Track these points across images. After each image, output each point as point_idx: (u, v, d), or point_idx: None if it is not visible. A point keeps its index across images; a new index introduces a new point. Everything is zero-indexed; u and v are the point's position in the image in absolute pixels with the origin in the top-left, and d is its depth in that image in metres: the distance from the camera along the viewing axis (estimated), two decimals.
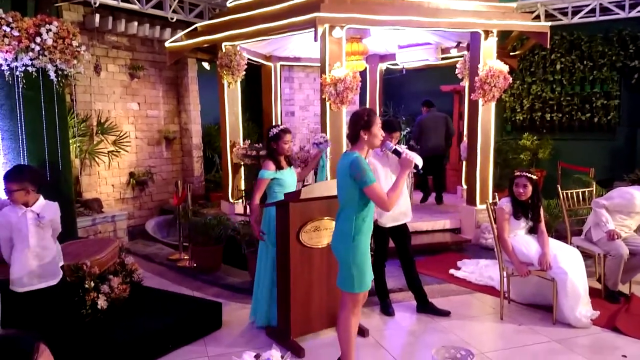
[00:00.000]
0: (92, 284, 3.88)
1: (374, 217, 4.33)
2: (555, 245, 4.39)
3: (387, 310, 4.53)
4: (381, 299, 4.63)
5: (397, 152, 3.27)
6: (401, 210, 4.42)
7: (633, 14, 8.34)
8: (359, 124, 3.13)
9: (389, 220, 4.44)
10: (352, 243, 3.10)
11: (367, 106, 9.32)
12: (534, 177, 4.39)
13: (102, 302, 3.84)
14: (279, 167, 4.20)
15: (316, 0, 5.85)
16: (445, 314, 4.46)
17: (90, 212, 6.63)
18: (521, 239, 4.42)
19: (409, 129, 9.88)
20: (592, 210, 4.94)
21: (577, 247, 4.85)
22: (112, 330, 3.74)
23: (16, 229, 3.25)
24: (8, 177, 3.30)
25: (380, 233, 4.48)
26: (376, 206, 3.15)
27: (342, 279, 3.19)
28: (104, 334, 3.71)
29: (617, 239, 4.64)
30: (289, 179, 4.26)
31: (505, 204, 4.42)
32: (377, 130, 3.15)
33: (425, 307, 4.55)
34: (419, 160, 3.95)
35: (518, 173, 4.44)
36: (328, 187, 3.72)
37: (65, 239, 4.91)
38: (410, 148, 6.51)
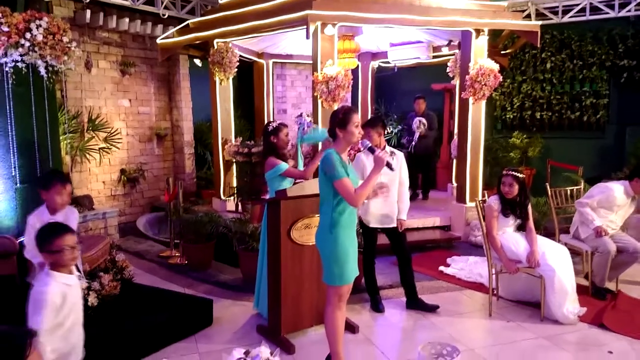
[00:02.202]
0: None
1: (357, 214, 4.37)
2: (543, 243, 4.44)
3: (377, 306, 4.56)
4: (371, 296, 4.66)
5: (372, 150, 3.30)
6: (383, 212, 4.46)
7: (623, 13, 8.41)
8: (335, 121, 3.23)
9: (372, 219, 4.48)
10: (330, 235, 3.15)
11: (359, 104, 9.35)
12: (521, 175, 4.42)
13: (92, 299, 3.84)
14: (283, 160, 4.24)
15: None
16: (433, 308, 4.51)
17: (81, 209, 6.59)
18: (510, 236, 4.47)
19: (400, 126, 9.90)
20: (577, 210, 5.01)
21: (565, 244, 4.91)
22: (102, 328, 3.74)
23: None
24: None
25: (366, 231, 4.54)
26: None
27: (325, 271, 3.24)
28: (95, 331, 3.70)
29: (605, 235, 4.70)
30: None
31: (493, 201, 4.47)
32: (354, 128, 3.20)
33: (414, 303, 4.59)
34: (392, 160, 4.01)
35: (505, 172, 4.48)
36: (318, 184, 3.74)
37: None
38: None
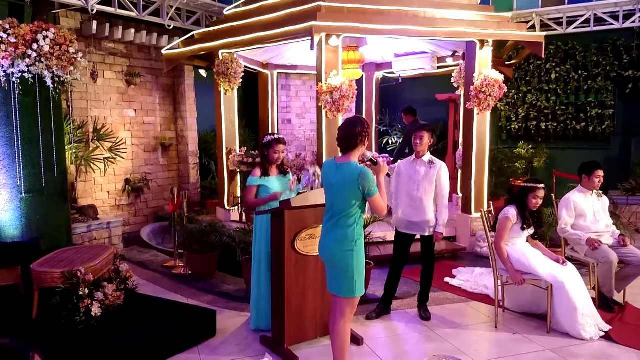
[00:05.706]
0: (87, 290, 3.87)
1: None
2: (550, 256, 4.45)
3: (371, 313, 4.57)
4: (384, 304, 4.64)
5: (373, 161, 3.38)
6: (411, 220, 4.48)
7: (627, 24, 8.42)
8: (365, 132, 3.22)
9: (399, 224, 4.56)
10: (355, 247, 3.19)
11: (364, 114, 9.35)
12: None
13: (96, 309, 3.83)
14: (265, 174, 4.29)
15: (313, 9, 5.90)
16: (424, 318, 4.55)
17: (85, 219, 6.61)
18: (519, 248, 4.43)
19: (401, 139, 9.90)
20: (562, 238, 5.05)
21: (571, 257, 4.89)
22: (105, 338, 3.73)
23: None
24: None
25: (396, 236, 4.61)
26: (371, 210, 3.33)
27: (341, 284, 3.22)
28: (98, 341, 3.69)
29: (599, 245, 4.68)
30: (274, 186, 4.35)
31: (512, 214, 4.39)
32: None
33: (420, 305, 4.66)
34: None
35: (536, 185, 4.39)
36: (323, 195, 3.73)
37: (60, 245, 4.91)
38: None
